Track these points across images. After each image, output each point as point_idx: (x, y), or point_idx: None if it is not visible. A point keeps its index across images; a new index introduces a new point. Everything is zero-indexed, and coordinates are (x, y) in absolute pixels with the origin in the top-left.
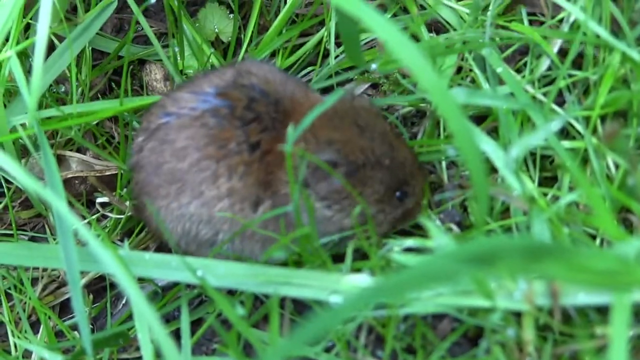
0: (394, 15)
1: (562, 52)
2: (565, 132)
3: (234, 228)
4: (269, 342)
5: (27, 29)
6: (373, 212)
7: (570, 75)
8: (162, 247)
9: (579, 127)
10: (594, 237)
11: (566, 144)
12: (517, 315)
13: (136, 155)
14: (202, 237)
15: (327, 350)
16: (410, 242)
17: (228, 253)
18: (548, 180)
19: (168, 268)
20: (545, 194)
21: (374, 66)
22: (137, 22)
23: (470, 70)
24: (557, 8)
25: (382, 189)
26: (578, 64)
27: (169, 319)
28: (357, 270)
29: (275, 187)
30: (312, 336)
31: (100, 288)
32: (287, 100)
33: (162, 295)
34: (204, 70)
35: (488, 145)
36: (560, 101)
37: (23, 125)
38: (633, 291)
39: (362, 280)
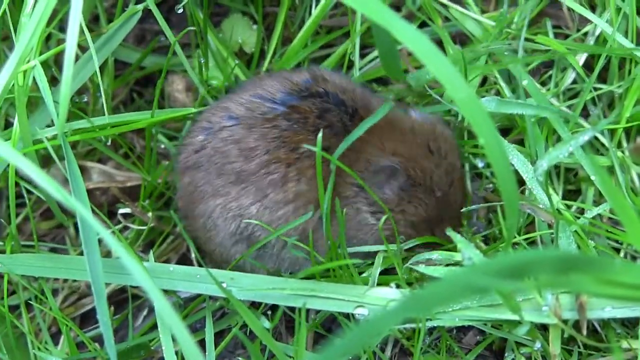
0: (419, 26)
1: (587, 65)
2: (590, 145)
3: (292, 233)
4: (294, 355)
5: (48, 39)
6: (400, 230)
7: (595, 89)
8: (184, 260)
9: (604, 140)
10: (618, 251)
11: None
12: (543, 328)
13: (195, 154)
14: (254, 239)
15: None
16: (436, 255)
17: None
18: (571, 194)
19: (193, 280)
20: (569, 207)
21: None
22: (158, 33)
23: (495, 82)
24: (583, 21)
25: (422, 215)
26: (602, 77)
27: (191, 331)
28: (382, 284)
29: (337, 192)
30: (343, 352)
31: (121, 300)
32: (363, 110)
33: (184, 307)
34: (267, 72)
35: (516, 158)
36: (584, 114)
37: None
38: None
39: (388, 293)
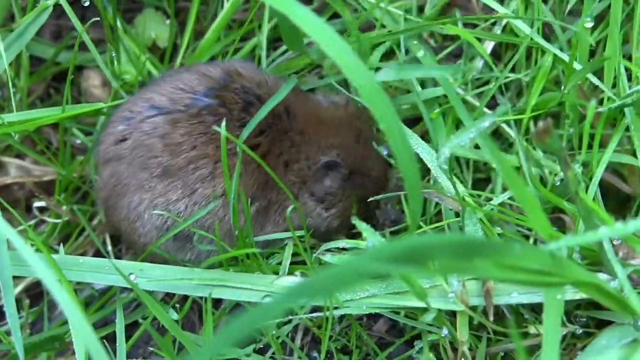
0: (330, 18)
1: (495, 56)
2: (499, 135)
3: (223, 226)
4: (203, 344)
5: None
6: (346, 215)
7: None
8: (100, 253)
9: (510, 130)
10: (527, 238)
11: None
12: (453, 314)
13: (115, 145)
14: (183, 232)
15: (263, 352)
16: (343, 243)
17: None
18: (483, 182)
19: (102, 272)
20: (479, 196)
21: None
22: (74, 29)
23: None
24: (492, 12)
25: (365, 196)
26: (512, 67)
27: (108, 321)
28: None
29: (270, 189)
30: (237, 335)
31: (39, 293)
32: (281, 104)
33: (99, 298)
34: (184, 65)
35: (420, 146)
36: (494, 104)
37: None
38: (565, 289)
39: (293, 282)
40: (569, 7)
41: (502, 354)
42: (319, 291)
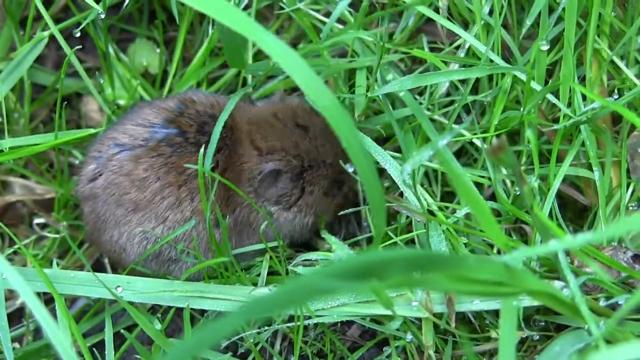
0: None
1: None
2: (465, 152)
3: (199, 245)
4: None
5: None
6: (320, 204)
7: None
8: (99, 265)
9: (472, 148)
10: (492, 247)
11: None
12: (420, 321)
13: (89, 184)
14: (165, 257)
15: (245, 356)
16: (315, 255)
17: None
18: (452, 195)
19: (92, 285)
20: (447, 208)
21: None
22: (77, 58)
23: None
24: (456, 37)
25: (326, 183)
26: (475, 88)
27: (98, 330)
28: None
29: (235, 202)
30: (201, 343)
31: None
32: (230, 119)
33: (94, 306)
34: (142, 101)
35: (388, 162)
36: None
37: None
38: (519, 298)
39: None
40: (523, 31)
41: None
42: (271, 307)
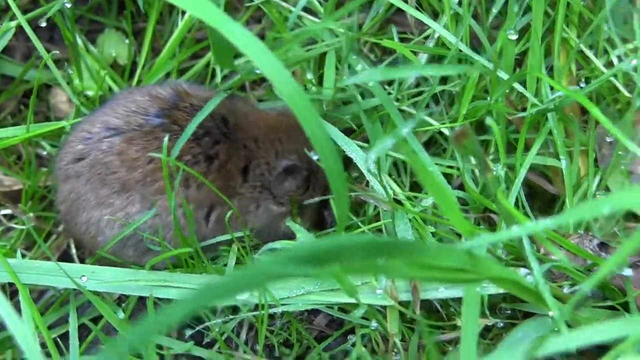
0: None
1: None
2: (434, 142)
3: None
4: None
5: None
6: (307, 212)
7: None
8: (66, 256)
9: (442, 138)
10: (460, 235)
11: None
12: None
13: (75, 163)
14: (143, 246)
15: (211, 346)
16: (279, 244)
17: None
18: (420, 186)
19: (57, 274)
20: (415, 198)
21: None
22: (44, 50)
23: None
24: (425, 27)
25: (319, 193)
26: (444, 77)
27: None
28: None
29: (232, 193)
30: (151, 329)
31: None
32: (232, 116)
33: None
34: (136, 86)
35: (352, 150)
36: (429, 113)
37: None
38: (483, 285)
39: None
40: (490, 19)
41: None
42: (226, 292)
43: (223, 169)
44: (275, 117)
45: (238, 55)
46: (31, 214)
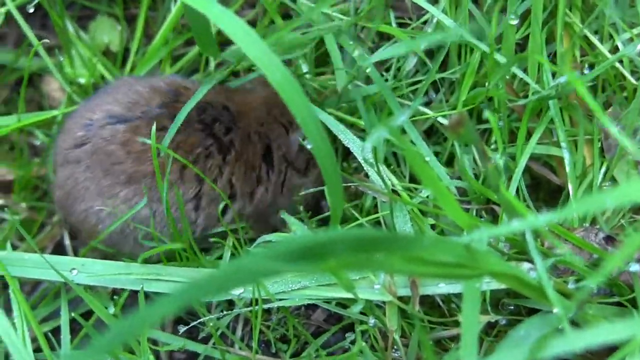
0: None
1: (428, 54)
2: (435, 131)
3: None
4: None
5: None
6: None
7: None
8: (60, 247)
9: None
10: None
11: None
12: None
13: (76, 148)
14: (145, 238)
15: (206, 341)
16: (274, 237)
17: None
18: None
19: (45, 267)
20: (416, 189)
21: None
22: (35, 37)
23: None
24: (424, 12)
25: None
26: (444, 64)
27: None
28: None
29: (258, 181)
30: (136, 325)
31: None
32: (232, 103)
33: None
34: (132, 76)
35: (349, 139)
36: (429, 101)
37: None
38: (483, 280)
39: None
40: (488, 2)
41: (434, 341)
42: (216, 288)
43: (242, 158)
44: (262, 92)
45: (229, 42)
46: (23, 205)
